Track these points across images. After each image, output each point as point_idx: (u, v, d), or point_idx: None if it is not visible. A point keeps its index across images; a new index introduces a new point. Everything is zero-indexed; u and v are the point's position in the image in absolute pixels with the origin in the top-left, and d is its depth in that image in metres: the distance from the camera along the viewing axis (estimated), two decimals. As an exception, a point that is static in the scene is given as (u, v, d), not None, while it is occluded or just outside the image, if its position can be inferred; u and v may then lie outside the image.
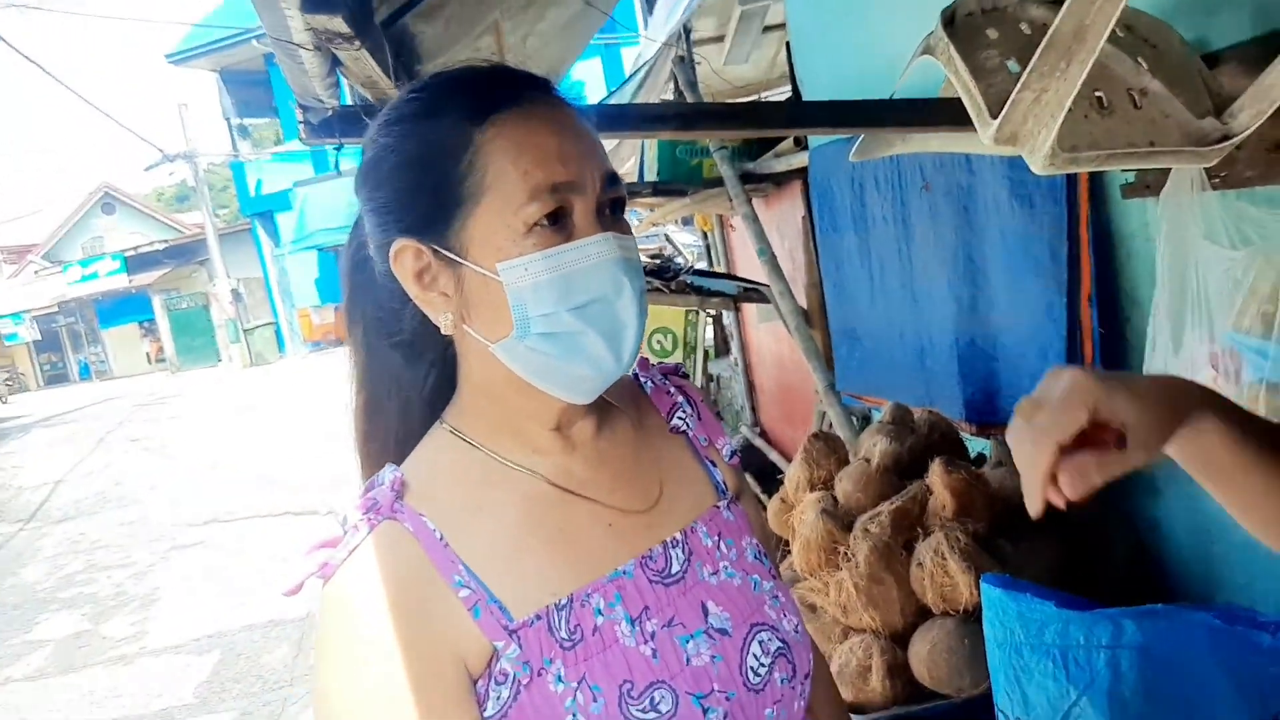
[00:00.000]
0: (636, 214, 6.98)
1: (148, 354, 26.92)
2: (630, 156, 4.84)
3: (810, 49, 3.22)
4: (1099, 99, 1.44)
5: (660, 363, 1.00)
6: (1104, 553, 1.90)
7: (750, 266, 4.72)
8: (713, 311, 5.63)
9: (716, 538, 0.87)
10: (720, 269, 6.16)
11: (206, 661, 4.95)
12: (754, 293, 3.58)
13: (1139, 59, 1.31)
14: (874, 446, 2.15)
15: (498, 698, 0.73)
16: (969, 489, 1.91)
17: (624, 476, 0.85)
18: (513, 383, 0.79)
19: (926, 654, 1.81)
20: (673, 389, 0.95)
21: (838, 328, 3.00)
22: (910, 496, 1.99)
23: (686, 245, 9.11)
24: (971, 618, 1.79)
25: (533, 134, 0.75)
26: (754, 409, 5.91)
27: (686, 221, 7.74)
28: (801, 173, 3.59)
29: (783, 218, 3.74)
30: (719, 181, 3.60)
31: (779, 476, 4.88)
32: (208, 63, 21.59)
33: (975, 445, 2.29)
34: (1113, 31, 1.14)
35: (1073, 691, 1.45)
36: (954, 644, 1.79)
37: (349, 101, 1.34)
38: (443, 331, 0.79)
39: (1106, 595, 1.58)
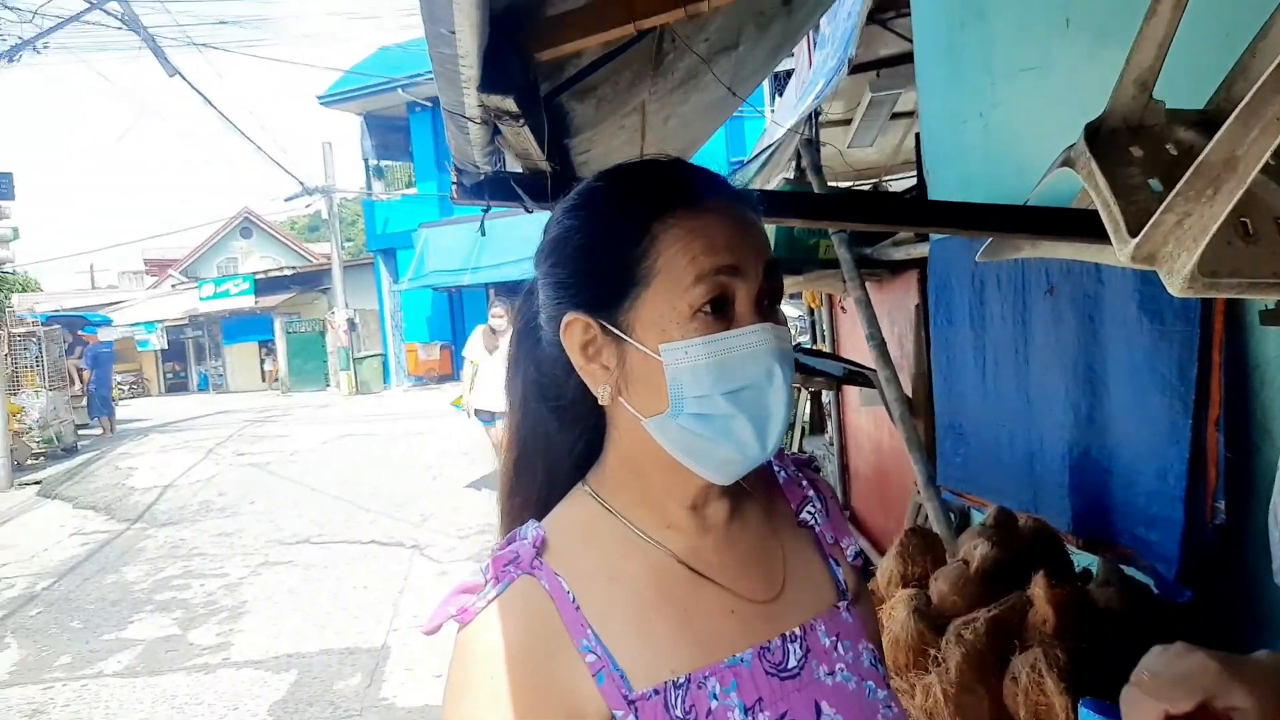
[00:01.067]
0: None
1: (264, 373, 28.16)
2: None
3: (939, 142, 3.23)
4: (1244, 225, 1.41)
5: (794, 454, 1.02)
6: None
7: (855, 349, 4.68)
8: (813, 389, 5.59)
9: (835, 638, 0.87)
10: (824, 348, 6.12)
11: (283, 680, 5.08)
12: (859, 376, 3.55)
13: (1290, 189, 1.28)
14: (974, 549, 2.10)
15: None
16: (1072, 605, 1.85)
17: (751, 564, 0.87)
18: (658, 458, 0.81)
19: (1014, 773, 1.74)
20: (805, 482, 0.97)
21: (944, 421, 2.95)
22: (1009, 606, 1.92)
23: (790, 319, 9.11)
24: None
25: (703, 225, 0.79)
26: (846, 492, 5.81)
27: (793, 297, 7.74)
28: (917, 262, 3.57)
29: (895, 304, 3.72)
30: (834, 263, 3.62)
31: (870, 568, 4.77)
32: (355, 106, 22.95)
33: (1080, 560, 2.21)
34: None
35: None
36: None
37: (501, 167, 1.43)
38: (600, 402, 0.83)
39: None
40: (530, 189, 1.49)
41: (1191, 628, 1.90)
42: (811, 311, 6.92)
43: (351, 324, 22.92)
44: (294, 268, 29.44)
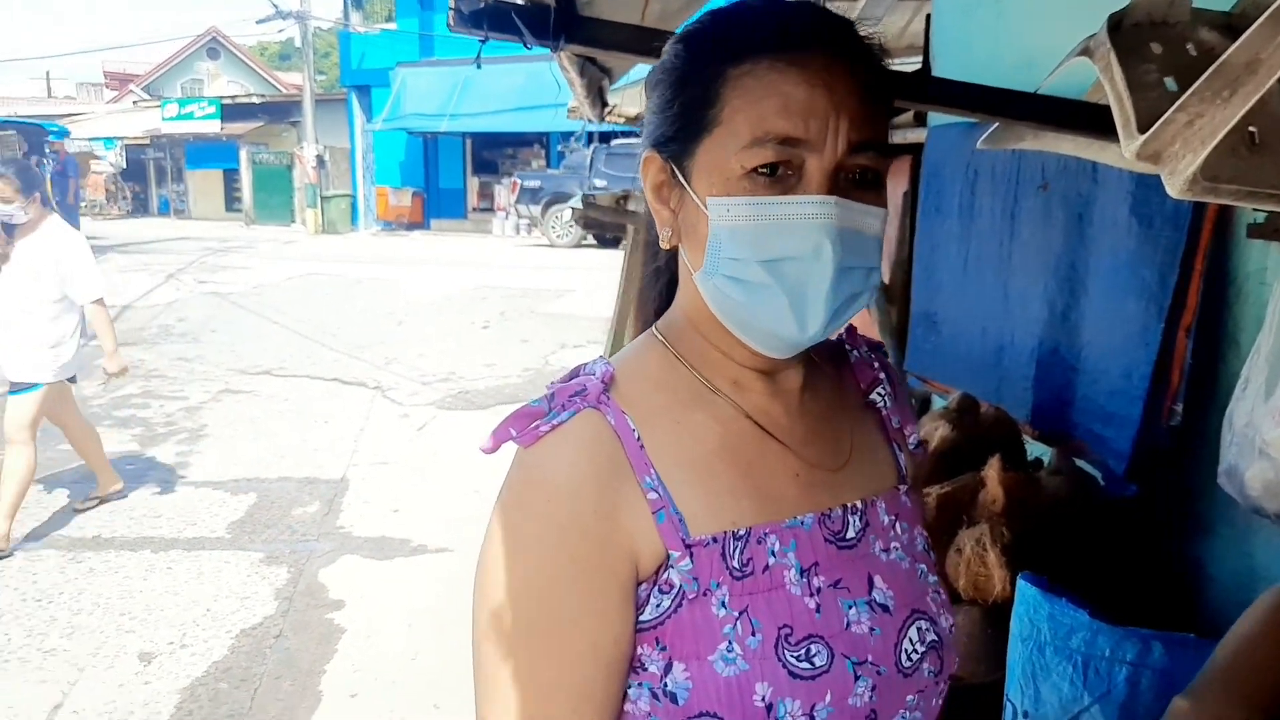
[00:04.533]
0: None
1: (231, 201, 27.45)
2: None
3: (949, 26, 3.15)
4: (1251, 134, 1.42)
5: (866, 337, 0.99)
6: (1144, 581, 1.91)
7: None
8: None
9: (894, 518, 0.87)
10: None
11: (241, 503, 5.18)
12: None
13: (1306, 100, 1.29)
14: (934, 431, 2.17)
15: (658, 605, 0.74)
16: (1022, 489, 1.93)
17: (819, 432, 0.85)
18: (711, 315, 0.79)
19: (946, 636, 1.86)
20: (876, 364, 0.95)
21: (919, 309, 2.99)
22: (961, 485, 2.00)
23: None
24: (997, 611, 1.83)
25: (782, 82, 0.73)
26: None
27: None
28: (911, 149, 3.53)
29: (891, 188, 3.69)
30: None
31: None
32: (335, -74, 21.57)
33: (1035, 450, 2.30)
34: (1284, 69, 1.12)
35: (1086, 697, 1.49)
36: (976, 632, 1.84)
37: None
38: (661, 245, 0.82)
39: (1136, 622, 1.60)
40: (531, 24, 1.42)
41: (1133, 521, 2.00)
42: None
43: (321, 161, 22.29)
44: (263, 96, 28.30)
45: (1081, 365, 2.22)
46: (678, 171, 0.78)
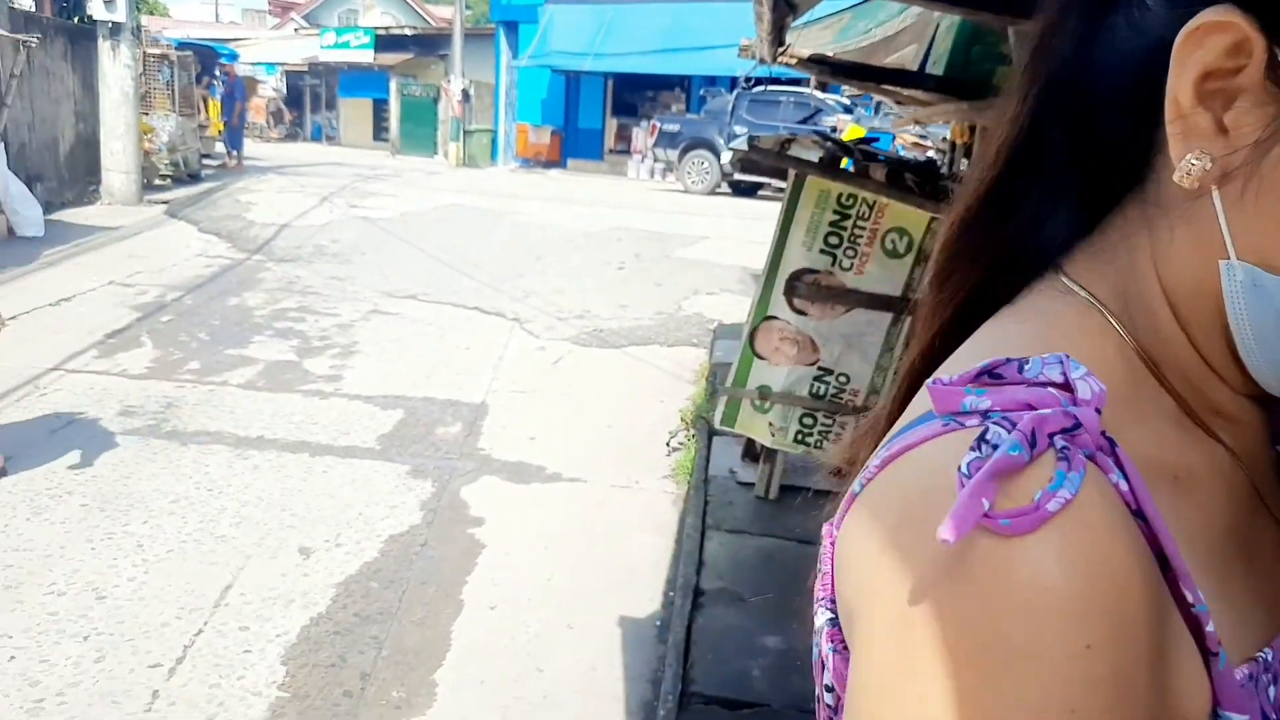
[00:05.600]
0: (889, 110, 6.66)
1: (379, 130, 28.42)
2: (911, 43, 4.60)
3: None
4: None
5: None
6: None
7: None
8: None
9: None
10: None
11: (390, 417, 5.44)
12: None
13: None
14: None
15: None
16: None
17: None
18: (1216, 318, 0.49)
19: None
20: None
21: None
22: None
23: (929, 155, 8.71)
24: None
25: None
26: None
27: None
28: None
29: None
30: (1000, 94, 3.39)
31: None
32: None
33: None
34: None
35: None
36: None
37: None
38: (1174, 177, 0.47)
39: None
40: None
41: None
42: (953, 147, 6.59)
43: (466, 95, 22.71)
44: (415, 28, 28.98)
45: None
46: None
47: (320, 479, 4.52)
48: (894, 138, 6.61)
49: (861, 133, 8.80)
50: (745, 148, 3.84)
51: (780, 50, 3.32)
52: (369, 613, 3.43)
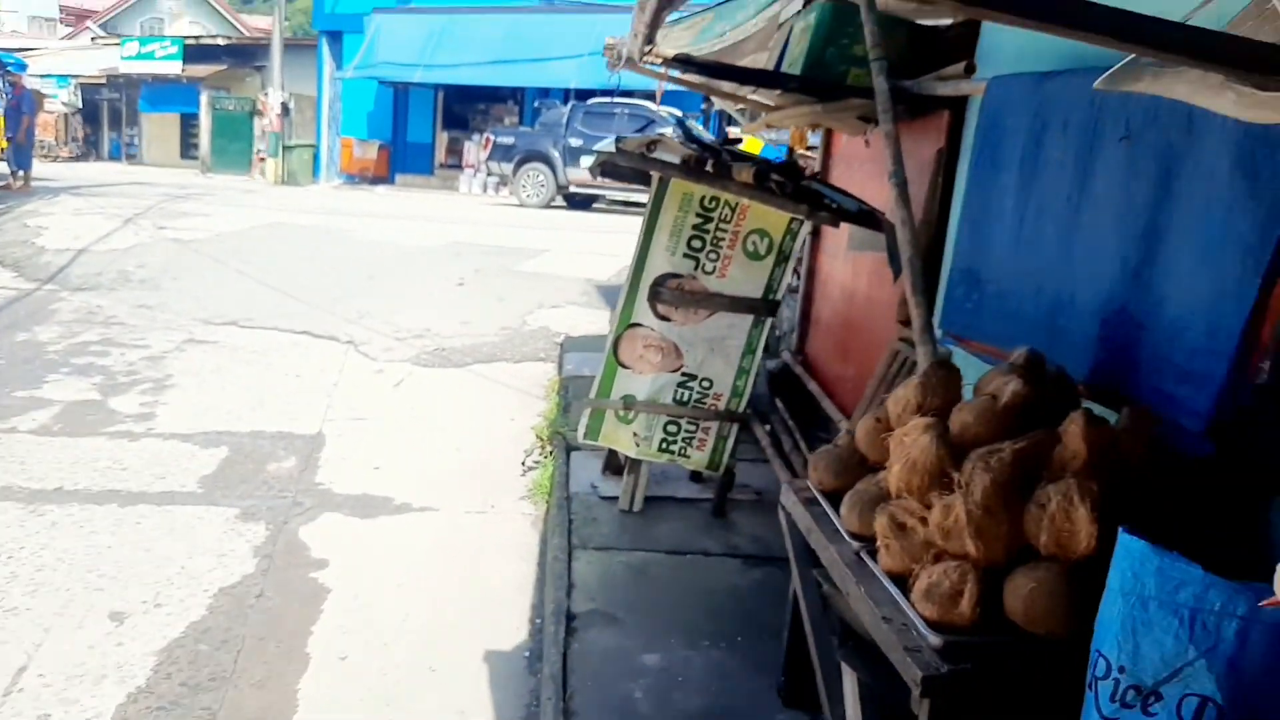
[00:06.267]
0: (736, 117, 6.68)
1: (187, 147, 26.57)
2: (754, 51, 4.57)
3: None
4: None
5: None
6: (1225, 538, 1.81)
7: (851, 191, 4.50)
8: (816, 223, 5.37)
9: None
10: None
11: (213, 456, 4.93)
12: (868, 217, 3.40)
13: None
14: (1005, 385, 2.06)
15: None
16: (1107, 447, 1.83)
17: None
18: None
19: (1027, 592, 1.77)
20: None
21: (960, 266, 2.84)
22: (1034, 441, 1.91)
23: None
24: (1079, 567, 1.74)
25: None
26: (802, 337, 5.78)
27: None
28: (946, 103, 3.38)
29: (913, 147, 3.54)
30: (860, 93, 3.38)
31: (821, 412, 4.78)
32: None
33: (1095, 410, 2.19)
34: None
35: (1192, 652, 1.42)
36: (1059, 587, 1.76)
37: None
38: None
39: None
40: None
41: (1209, 480, 1.91)
42: (790, 152, 6.68)
43: (285, 108, 21.58)
44: (228, 38, 27.37)
45: (1154, 323, 2.10)
46: None
47: (133, 531, 4.00)
48: (789, 150, 6.68)
49: (759, 145, 8.85)
50: (612, 149, 3.66)
51: (647, 50, 3.19)
52: (199, 680, 3.01)
